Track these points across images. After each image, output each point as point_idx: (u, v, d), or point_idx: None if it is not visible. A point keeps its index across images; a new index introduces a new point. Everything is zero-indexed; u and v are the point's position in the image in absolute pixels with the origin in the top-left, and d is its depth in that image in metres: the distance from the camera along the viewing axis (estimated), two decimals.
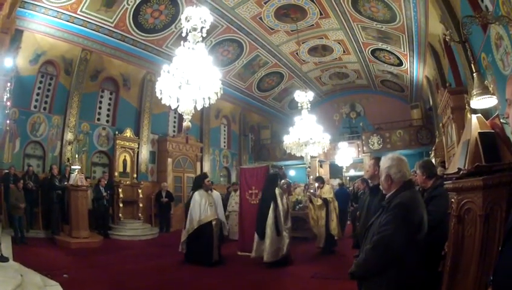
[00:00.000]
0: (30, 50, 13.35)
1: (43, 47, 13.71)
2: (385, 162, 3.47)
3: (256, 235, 9.92)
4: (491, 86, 7.16)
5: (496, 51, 7.21)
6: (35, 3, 12.14)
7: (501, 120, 3.18)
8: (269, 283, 8.25)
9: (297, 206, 14.65)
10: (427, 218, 3.28)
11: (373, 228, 3.33)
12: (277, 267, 9.28)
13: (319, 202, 11.85)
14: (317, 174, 22.10)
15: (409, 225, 3.07)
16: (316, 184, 12.63)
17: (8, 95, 10.18)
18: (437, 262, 3.56)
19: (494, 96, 3.87)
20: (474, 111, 3.73)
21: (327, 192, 12.16)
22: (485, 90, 3.82)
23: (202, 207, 9.78)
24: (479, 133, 3.12)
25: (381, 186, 3.61)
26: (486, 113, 3.94)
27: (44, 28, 13.09)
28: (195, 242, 9.70)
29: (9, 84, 10.18)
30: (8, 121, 11.84)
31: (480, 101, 3.84)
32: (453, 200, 3.33)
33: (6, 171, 12.08)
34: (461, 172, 3.13)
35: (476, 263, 2.80)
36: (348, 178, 24.41)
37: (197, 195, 10.00)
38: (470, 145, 3.16)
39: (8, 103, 10.55)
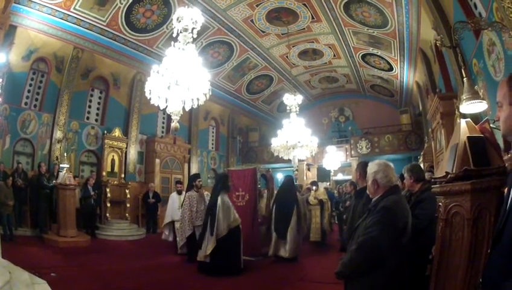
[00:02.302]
0: (23, 46, 13.31)
1: (36, 44, 13.68)
2: (372, 167, 3.59)
3: (274, 235, 10.58)
4: (481, 91, 7.21)
5: (487, 57, 7.29)
6: None
7: (491, 125, 3.19)
8: (256, 286, 8.23)
9: None
10: (413, 222, 3.38)
11: (359, 229, 3.43)
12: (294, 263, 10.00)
13: (315, 202, 13.36)
14: (305, 178, 22.34)
15: (393, 228, 3.17)
16: (314, 187, 13.95)
17: (0, 91, 10.12)
18: (424, 266, 3.58)
19: (484, 102, 3.88)
20: (464, 116, 3.74)
21: (322, 194, 13.96)
22: (474, 95, 3.82)
23: (231, 210, 9.27)
24: (468, 137, 3.13)
25: (367, 190, 3.66)
26: (475, 118, 3.94)
27: (37, 24, 13.06)
28: (219, 250, 8.81)
29: (1, 80, 10.13)
30: None
31: (470, 106, 3.84)
32: (440, 203, 3.34)
33: None
34: (449, 176, 3.14)
35: (464, 266, 2.80)
36: (333, 182, 24.33)
37: (220, 199, 9.17)
38: (459, 150, 3.16)
39: (0, 99, 10.50)
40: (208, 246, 8.83)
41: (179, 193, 12.33)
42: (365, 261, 3.17)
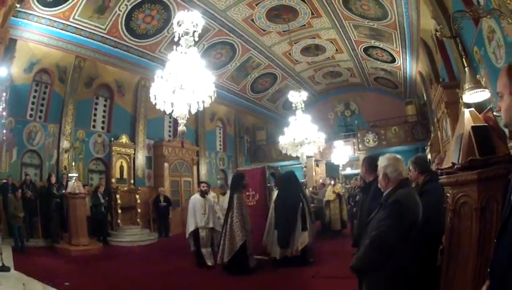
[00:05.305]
0: (24, 59, 13.34)
1: (37, 55, 13.71)
2: (382, 161, 3.64)
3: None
4: (484, 79, 7.20)
5: (488, 45, 7.27)
6: (28, 11, 12.14)
7: (494, 113, 3.20)
8: (270, 283, 8.26)
9: None
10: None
11: (372, 223, 3.46)
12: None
13: (333, 196, 14.82)
14: (314, 174, 22.43)
15: (404, 221, 3.21)
16: (332, 182, 15.47)
17: (4, 105, 10.16)
18: (432, 256, 3.59)
19: (487, 90, 3.87)
20: (468, 105, 3.74)
21: (339, 188, 15.32)
22: (477, 85, 3.82)
23: None
24: (472, 126, 3.14)
25: (379, 185, 3.68)
26: (480, 106, 3.94)
27: (37, 36, 13.10)
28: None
29: (4, 93, 10.16)
30: (4, 131, 11.84)
31: (473, 96, 3.84)
32: (448, 194, 3.35)
33: (4, 181, 12.07)
34: (455, 166, 3.15)
35: (474, 256, 2.80)
36: (343, 177, 24.23)
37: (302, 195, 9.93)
38: (464, 140, 3.17)
39: (4, 113, 10.54)
40: (300, 241, 9.41)
41: (203, 195, 10.48)
42: (377, 254, 3.22)
